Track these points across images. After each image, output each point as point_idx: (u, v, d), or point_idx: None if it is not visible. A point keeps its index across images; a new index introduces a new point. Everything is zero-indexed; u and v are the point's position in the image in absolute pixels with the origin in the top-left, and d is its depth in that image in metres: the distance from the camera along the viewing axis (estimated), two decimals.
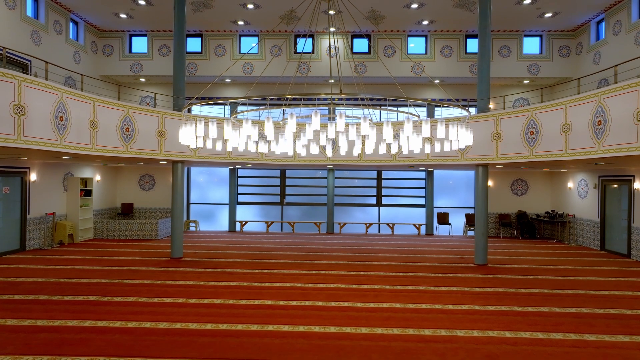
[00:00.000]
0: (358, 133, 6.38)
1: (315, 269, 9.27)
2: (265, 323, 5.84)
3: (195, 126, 5.77)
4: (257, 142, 6.78)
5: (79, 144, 7.81)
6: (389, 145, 9.03)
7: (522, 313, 6.43)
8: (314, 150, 6.99)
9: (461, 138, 5.66)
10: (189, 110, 15.54)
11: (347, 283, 8.10)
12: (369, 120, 5.35)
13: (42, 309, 6.31)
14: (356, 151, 7.06)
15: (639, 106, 6.42)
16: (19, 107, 6.54)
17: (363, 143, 7.01)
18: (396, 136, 8.48)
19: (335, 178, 15.88)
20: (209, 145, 6.67)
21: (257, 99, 15.22)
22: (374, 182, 16.20)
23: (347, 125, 6.51)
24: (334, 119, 5.69)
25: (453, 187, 16.27)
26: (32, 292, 7.16)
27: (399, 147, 6.94)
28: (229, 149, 6.14)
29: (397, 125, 9.54)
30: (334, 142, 8.56)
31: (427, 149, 7.08)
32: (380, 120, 14.89)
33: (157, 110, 9.71)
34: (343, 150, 6.72)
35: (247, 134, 5.30)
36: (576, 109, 7.74)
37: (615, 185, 11.68)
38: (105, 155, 8.76)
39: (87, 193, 13.12)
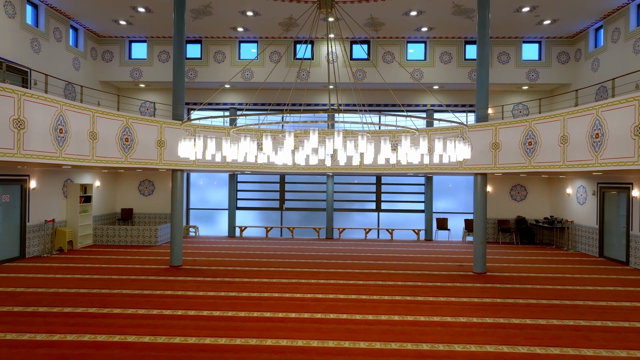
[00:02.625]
0: (356, 148, 6.40)
1: (314, 278, 9.29)
2: (264, 337, 5.86)
3: (194, 141, 5.80)
4: (256, 157, 6.80)
5: (78, 155, 7.83)
6: (387, 159, 9.06)
7: (520, 326, 6.45)
8: (313, 161, 7.01)
9: (459, 152, 5.69)
10: (189, 116, 15.57)
11: (345, 293, 8.12)
12: (367, 134, 5.37)
13: (42, 322, 6.33)
14: (355, 161, 7.08)
15: (635, 121, 6.46)
16: (19, 121, 6.56)
17: (361, 156, 7.04)
18: (395, 145, 8.50)
19: (335, 183, 15.90)
20: (209, 156, 6.69)
21: (256, 104, 15.24)
22: (373, 188, 16.23)
23: (346, 134, 6.52)
24: (333, 127, 5.70)
25: (453, 190, 16.32)
26: (32, 304, 7.19)
27: (398, 160, 6.97)
28: (228, 159, 6.16)
29: (396, 134, 9.55)
30: (333, 153, 8.55)
31: (426, 160, 7.10)
32: (380, 124, 14.90)
33: (157, 120, 9.73)
34: (342, 162, 6.74)
35: (245, 151, 5.32)
36: (574, 121, 7.77)
37: (614, 192, 11.70)
38: (104, 166, 8.79)
39: (87, 199, 13.14)
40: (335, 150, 6.36)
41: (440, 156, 6.47)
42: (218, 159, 7.18)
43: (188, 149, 5.92)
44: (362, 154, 6.55)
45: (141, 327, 6.20)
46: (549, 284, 9.04)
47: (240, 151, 5.62)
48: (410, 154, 5.72)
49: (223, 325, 6.33)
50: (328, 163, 8.49)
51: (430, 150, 7.98)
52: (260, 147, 7.07)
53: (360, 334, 6.05)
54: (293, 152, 6.32)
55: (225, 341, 5.72)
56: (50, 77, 8.43)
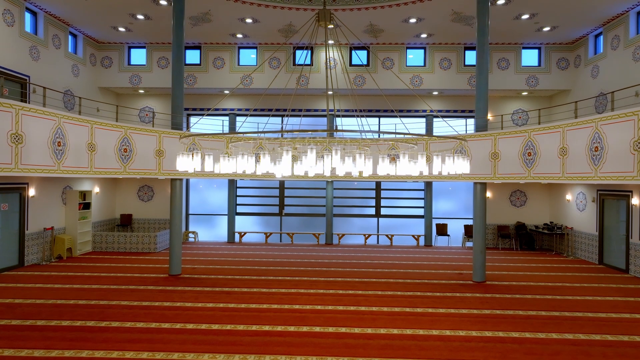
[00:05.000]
0: (354, 162, 6.39)
1: (313, 288, 9.28)
2: (263, 353, 5.85)
3: (192, 156, 5.80)
4: (254, 171, 6.79)
5: (77, 167, 7.82)
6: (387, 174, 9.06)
7: (519, 340, 6.44)
8: (312, 173, 6.99)
9: (458, 167, 5.69)
10: (188, 123, 15.55)
11: (345, 304, 8.10)
12: (366, 147, 5.35)
13: (40, 337, 6.31)
14: (354, 173, 7.05)
15: (635, 135, 6.44)
16: (17, 136, 6.55)
17: (360, 173, 7.00)
18: (396, 156, 8.48)
19: (334, 189, 15.88)
20: (207, 167, 6.68)
21: (256, 109, 15.22)
22: (372, 193, 16.21)
23: (345, 143, 6.51)
24: (332, 135, 5.68)
25: (453, 191, 16.29)
26: (30, 316, 7.17)
27: (397, 173, 6.97)
28: (227, 172, 6.16)
29: (396, 142, 9.52)
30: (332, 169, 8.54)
31: (426, 172, 7.08)
32: (379, 139, 14.87)
33: (155, 130, 9.71)
34: (341, 174, 6.74)
35: (243, 168, 5.31)
36: (573, 133, 7.76)
37: (613, 199, 11.68)
38: (103, 177, 8.77)
39: (86, 206, 13.10)
40: (333, 168, 6.35)
41: (440, 172, 6.46)
42: (217, 170, 7.17)
43: (186, 164, 5.92)
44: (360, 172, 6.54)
45: (140, 341, 6.18)
46: (549, 293, 9.02)
47: (239, 166, 5.62)
48: (409, 168, 5.70)
49: (221, 339, 6.32)
50: (327, 172, 8.48)
51: (429, 159, 7.97)
52: (258, 158, 7.08)
53: (358, 349, 6.04)
54: (292, 164, 6.31)
55: (223, 358, 5.70)
56: (49, 89, 8.40)
